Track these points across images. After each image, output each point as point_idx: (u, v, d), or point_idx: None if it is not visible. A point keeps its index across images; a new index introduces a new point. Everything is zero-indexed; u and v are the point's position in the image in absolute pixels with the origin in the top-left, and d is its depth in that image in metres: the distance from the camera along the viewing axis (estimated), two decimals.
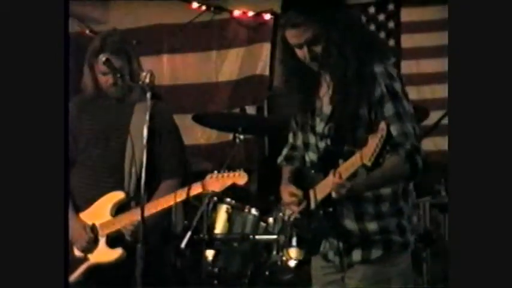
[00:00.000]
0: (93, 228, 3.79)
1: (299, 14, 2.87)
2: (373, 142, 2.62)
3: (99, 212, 3.79)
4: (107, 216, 3.79)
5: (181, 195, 3.72)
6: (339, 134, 2.92)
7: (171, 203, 3.71)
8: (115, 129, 3.86)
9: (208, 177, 3.73)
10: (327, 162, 2.92)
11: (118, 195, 3.79)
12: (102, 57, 3.77)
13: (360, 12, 5.79)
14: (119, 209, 3.80)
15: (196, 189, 3.73)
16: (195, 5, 6.32)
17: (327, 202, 2.91)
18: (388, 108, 2.85)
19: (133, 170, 3.79)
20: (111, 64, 3.75)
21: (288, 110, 3.18)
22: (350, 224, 2.96)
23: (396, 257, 2.97)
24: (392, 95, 2.86)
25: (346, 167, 2.79)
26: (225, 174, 3.71)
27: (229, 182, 3.71)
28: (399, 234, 2.96)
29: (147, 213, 3.50)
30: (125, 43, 3.89)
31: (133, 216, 3.69)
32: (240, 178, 3.71)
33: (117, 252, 3.74)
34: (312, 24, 2.86)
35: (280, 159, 3.28)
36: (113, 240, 3.77)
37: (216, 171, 3.74)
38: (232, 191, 4.73)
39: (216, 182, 3.71)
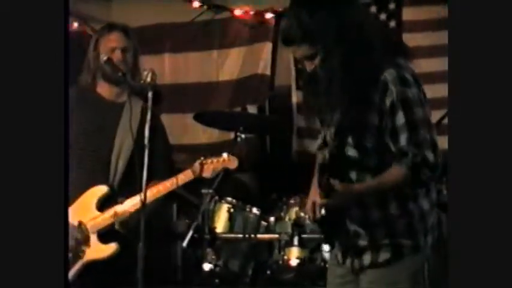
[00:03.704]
0: (81, 225, 3.76)
1: (291, 33, 2.86)
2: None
3: (85, 208, 3.74)
4: (93, 212, 3.75)
5: (172, 184, 3.69)
6: (343, 139, 2.91)
7: (163, 192, 3.68)
8: (104, 126, 3.85)
9: (197, 163, 3.69)
10: (332, 165, 2.93)
11: (102, 190, 3.75)
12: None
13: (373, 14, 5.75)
14: (104, 203, 3.77)
15: (187, 176, 3.69)
16: (196, 4, 6.32)
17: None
18: (399, 118, 2.80)
19: (119, 164, 3.78)
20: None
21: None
22: (357, 228, 2.94)
23: (406, 260, 2.91)
24: (403, 103, 2.80)
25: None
26: (215, 160, 3.67)
27: (220, 167, 3.67)
28: (409, 237, 2.91)
29: (136, 206, 3.51)
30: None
31: (123, 210, 3.68)
32: (231, 162, 3.67)
33: (111, 248, 3.71)
34: (303, 43, 2.86)
35: (316, 147, 3.24)
36: (105, 236, 3.74)
37: (202, 157, 3.70)
38: (233, 189, 4.76)
39: (207, 167, 3.67)
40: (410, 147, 2.77)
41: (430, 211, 2.93)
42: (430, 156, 2.78)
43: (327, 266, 3.17)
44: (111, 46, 3.86)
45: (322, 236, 3.12)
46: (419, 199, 2.91)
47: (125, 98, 3.84)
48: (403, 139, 2.78)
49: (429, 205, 2.93)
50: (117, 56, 3.84)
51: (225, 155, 3.71)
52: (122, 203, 3.72)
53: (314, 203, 2.96)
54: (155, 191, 3.66)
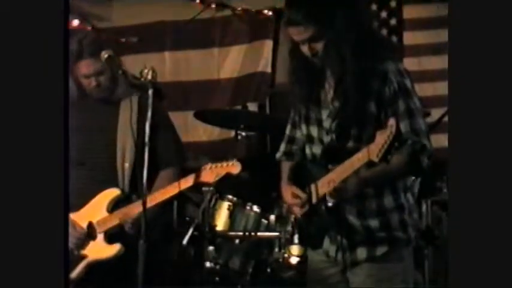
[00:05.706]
0: (90, 226, 3.77)
1: (299, 13, 2.87)
2: (382, 139, 2.63)
3: (96, 210, 3.77)
4: (104, 213, 3.77)
5: (176, 187, 3.71)
6: (345, 130, 2.93)
7: (168, 195, 3.70)
8: (103, 128, 3.84)
9: (202, 169, 3.72)
10: (331, 157, 2.93)
11: (114, 192, 3.77)
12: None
13: (371, 11, 5.76)
14: (115, 205, 3.78)
15: (190, 180, 3.72)
16: (197, 1, 6.32)
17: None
18: (400, 105, 2.86)
19: (126, 166, 3.78)
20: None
21: (291, 101, 3.14)
22: (353, 220, 2.95)
23: (400, 254, 2.97)
24: (404, 91, 2.88)
25: (347, 167, 2.80)
26: (219, 165, 3.70)
27: (223, 172, 3.69)
28: (402, 231, 2.95)
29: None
30: (101, 43, 3.86)
31: (132, 210, 3.69)
32: (234, 168, 3.70)
33: (116, 248, 3.73)
34: (310, 24, 2.86)
35: (278, 154, 3.27)
36: (112, 236, 3.75)
37: (209, 163, 3.73)
38: (233, 187, 4.75)
39: (210, 173, 3.70)
40: (410, 134, 2.81)
41: (414, 205, 3.03)
42: (427, 143, 2.84)
43: (309, 270, 3.17)
44: (83, 74, 3.79)
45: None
46: (407, 193, 2.97)
47: (119, 96, 3.84)
48: (402, 127, 2.81)
49: (412, 199, 2.99)
50: (91, 83, 3.78)
51: (230, 161, 3.74)
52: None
53: (293, 193, 2.99)
54: (157, 195, 3.68)
